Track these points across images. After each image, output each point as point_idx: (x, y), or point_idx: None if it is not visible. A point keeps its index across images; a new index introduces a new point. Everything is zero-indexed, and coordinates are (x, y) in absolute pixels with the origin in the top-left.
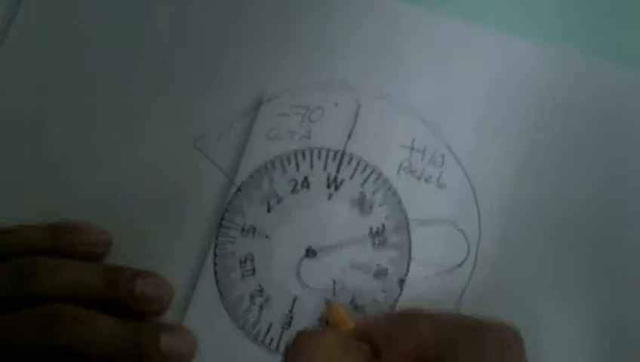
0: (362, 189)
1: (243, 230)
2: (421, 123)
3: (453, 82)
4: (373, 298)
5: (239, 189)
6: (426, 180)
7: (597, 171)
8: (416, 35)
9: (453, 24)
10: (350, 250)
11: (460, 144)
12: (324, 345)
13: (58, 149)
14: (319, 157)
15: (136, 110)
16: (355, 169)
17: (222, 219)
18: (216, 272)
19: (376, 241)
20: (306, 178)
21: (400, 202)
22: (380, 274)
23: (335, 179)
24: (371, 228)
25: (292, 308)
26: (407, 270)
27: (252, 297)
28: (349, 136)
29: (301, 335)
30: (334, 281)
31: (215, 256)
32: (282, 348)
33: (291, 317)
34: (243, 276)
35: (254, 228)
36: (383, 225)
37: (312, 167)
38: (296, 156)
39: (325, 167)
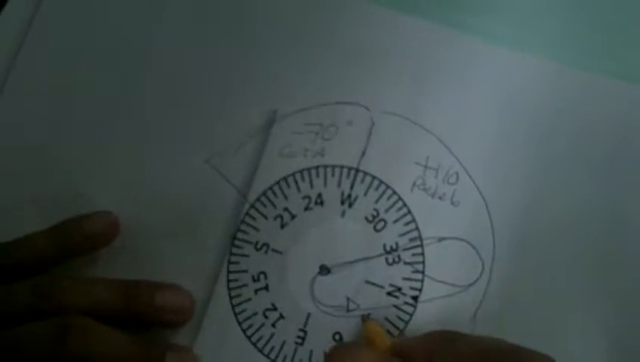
0: (376, 206)
1: (256, 246)
2: (435, 140)
3: (466, 100)
4: (386, 315)
5: (253, 206)
6: (440, 198)
7: (609, 189)
8: (431, 53)
9: (467, 43)
10: (364, 267)
11: (473, 162)
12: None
13: (72, 168)
14: (333, 175)
15: (151, 128)
16: (369, 186)
17: (235, 235)
18: (229, 289)
19: (390, 259)
20: (319, 195)
21: (414, 220)
22: (394, 291)
23: (349, 196)
24: (385, 246)
25: (305, 325)
26: (421, 288)
27: (265, 314)
28: (363, 154)
29: (337, 350)
30: (348, 299)
31: (228, 272)
32: None
33: (305, 334)
34: (256, 292)
35: (268, 245)
36: (397, 243)
37: (325, 184)
38: (309, 173)
39: (339, 184)
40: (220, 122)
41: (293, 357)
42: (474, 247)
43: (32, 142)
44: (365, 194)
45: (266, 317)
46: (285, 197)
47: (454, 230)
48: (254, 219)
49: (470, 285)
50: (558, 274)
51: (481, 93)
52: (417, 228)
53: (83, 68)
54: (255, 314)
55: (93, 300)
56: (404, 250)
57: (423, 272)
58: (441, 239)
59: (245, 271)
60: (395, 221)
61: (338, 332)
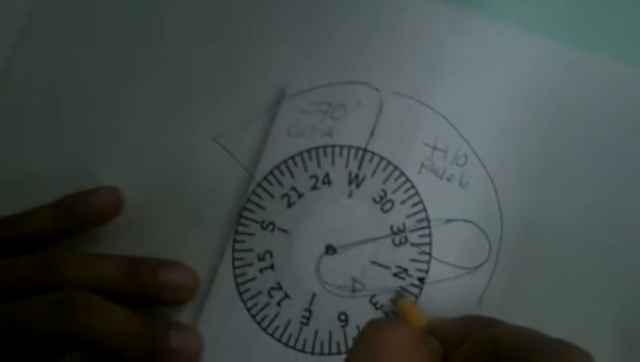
0: (384, 187)
1: (262, 225)
2: (444, 122)
3: (477, 82)
4: (392, 297)
5: (259, 185)
6: (448, 179)
7: (620, 174)
8: (442, 34)
9: (478, 24)
10: (370, 247)
11: (483, 144)
12: (393, 340)
13: (77, 145)
14: (341, 155)
15: (158, 105)
16: (377, 167)
17: (241, 213)
18: (234, 267)
19: (397, 240)
20: (327, 174)
21: (421, 201)
22: (400, 273)
23: (356, 176)
24: (392, 227)
25: (311, 304)
26: (428, 269)
27: (270, 293)
28: (372, 134)
29: (371, 325)
30: (354, 279)
31: (234, 250)
32: (300, 344)
33: (310, 314)
34: (261, 271)
35: (274, 224)
36: (404, 224)
37: (333, 163)
38: (317, 152)
39: (347, 164)
40: (227, 100)
41: (297, 336)
42: (481, 230)
43: (37, 117)
44: (373, 174)
45: (271, 296)
46: (292, 176)
47: (462, 212)
48: (261, 197)
49: (477, 268)
50: (565, 258)
51: (492, 75)
52: (425, 210)
53: (89, 43)
54: (260, 293)
55: (96, 276)
56: (412, 231)
57: (429, 254)
58: (448, 221)
59: (251, 250)
60: (403, 202)
61: (344, 313)
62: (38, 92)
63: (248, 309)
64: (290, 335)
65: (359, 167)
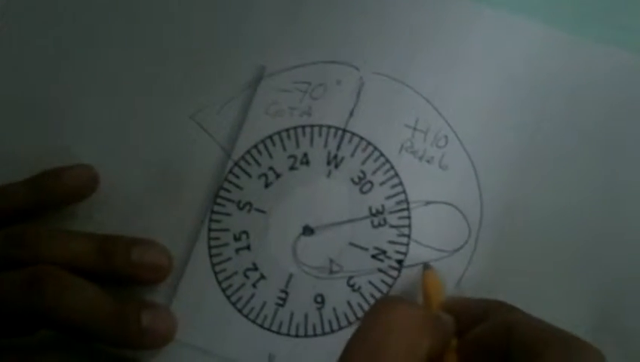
0: (363, 168)
1: (239, 205)
2: (425, 103)
3: (459, 63)
4: (370, 279)
5: (237, 164)
6: (428, 161)
7: (603, 157)
8: (424, 14)
9: (461, 5)
10: (348, 229)
11: (464, 125)
12: (403, 319)
13: (52, 122)
14: (320, 135)
15: (134, 81)
16: (356, 147)
17: (218, 193)
18: (210, 247)
19: (376, 221)
20: (305, 154)
21: (401, 183)
22: (379, 255)
23: (335, 156)
24: (371, 208)
25: (287, 286)
26: (407, 251)
27: (246, 273)
28: (351, 114)
29: (382, 303)
30: (331, 260)
31: (210, 230)
32: (276, 325)
33: (286, 296)
34: (237, 252)
35: (251, 204)
36: (383, 206)
37: (312, 143)
38: (296, 132)
39: (326, 145)
40: (205, 77)
41: (273, 318)
42: (461, 212)
43: (11, 94)
44: (352, 155)
45: (247, 277)
46: (270, 155)
47: (442, 194)
48: (238, 177)
49: (456, 250)
50: (545, 241)
51: (474, 56)
52: (404, 191)
53: (63, 19)
54: (235, 273)
55: (69, 253)
56: (391, 213)
57: (408, 236)
58: (428, 203)
59: (227, 230)
60: (382, 183)
61: (320, 295)
62: (11, 69)
63: (223, 290)
64: (265, 317)
65: (338, 148)
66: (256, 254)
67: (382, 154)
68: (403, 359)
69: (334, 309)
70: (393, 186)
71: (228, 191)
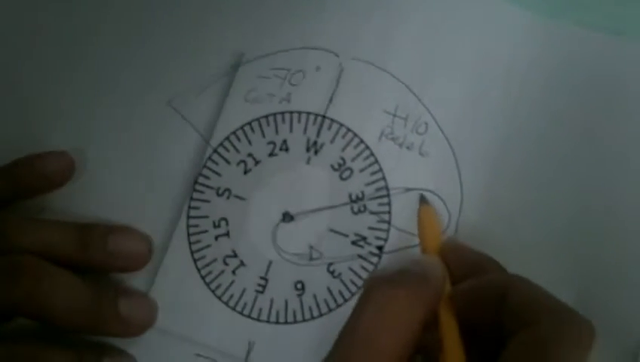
0: (342, 154)
1: (218, 192)
2: (405, 89)
3: (438, 49)
4: (350, 265)
5: (215, 151)
6: (408, 147)
7: (580, 141)
8: (403, 0)
9: None
10: (328, 215)
11: (443, 112)
12: (394, 300)
13: (27, 107)
14: (299, 121)
15: (111, 67)
16: (336, 134)
17: (196, 180)
18: (189, 234)
19: (356, 208)
20: (284, 141)
21: (381, 169)
22: (359, 241)
23: (315, 143)
24: (350, 195)
25: (267, 272)
26: (387, 237)
27: (225, 260)
28: (330, 101)
29: (374, 283)
30: (311, 247)
31: (188, 217)
32: (255, 312)
33: (266, 282)
34: (217, 239)
35: (230, 191)
36: (363, 192)
37: (291, 130)
38: (275, 119)
39: (305, 131)
40: (182, 62)
41: (253, 305)
42: (441, 199)
43: None
44: (332, 141)
45: (226, 264)
46: (249, 142)
47: (422, 181)
48: (217, 163)
49: None
50: (524, 227)
51: (454, 42)
52: (384, 178)
53: (40, 6)
54: (215, 260)
55: (45, 242)
56: (371, 199)
57: (389, 222)
58: (408, 189)
59: (206, 217)
60: (362, 170)
61: (300, 281)
62: None
63: (203, 277)
64: (245, 304)
65: (318, 134)
66: (235, 241)
67: (362, 141)
68: (397, 340)
69: (314, 296)
70: (373, 173)
71: (207, 177)
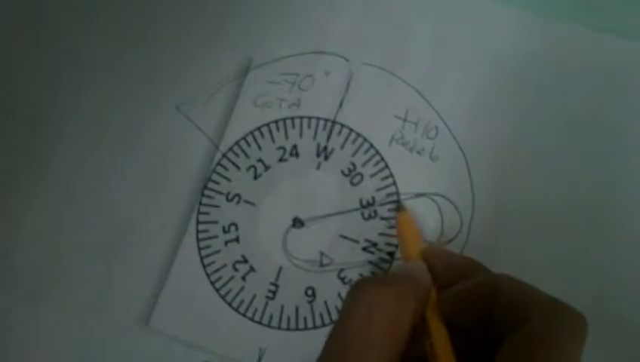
0: (353, 160)
1: (228, 197)
2: (415, 93)
3: (449, 54)
4: (361, 271)
5: (225, 156)
6: (419, 152)
7: (593, 146)
8: (413, 5)
9: None
10: (339, 221)
11: (454, 116)
12: (382, 298)
13: (35, 108)
14: (309, 126)
15: (122, 72)
16: (346, 139)
17: (206, 185)
18: (198, 240)
19: (366, 213)
20: (294, 146)
21: (391, 174)
22: (369, 247)
23: (325, 148)
24: (361, 200)
25: (277, 278)
26: (398, 244)
27: (235, 266)
28: (340, 106)
29: (361, 285)
30: (322, 253)
31: (198, 222)
32: (266, 319)
33: (276, 288)
34: (226, 244)
35: (240, 196)
36: (373, 198)
37: (301, 135)
38: (285, 124)
39: (315, 136)
40: (192, 68)
41: (263, 311)
42: (453, 204)
43: None
44: (342, 147)
45: (236, 269)
46: (259, 147)
47: (433, 185)
48: (226, 169)
49: (448, 242)
50: (537, 230)
51: (466, 47)
52: (395, 183)
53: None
54: (224, 266)
55: None
56: (381, 205)
57: None
58: (419, 194)
59: (216, 222)
60: (373, 175)
61: (311, 287)
62: None
63: (212, 283)
64: (255, 310)
65: (328, 139)
66: (245, 246)
67: (372, 146)
68: (388, 335)
69: (325, 302)
70: (384, 178)
71: (216, 183)
